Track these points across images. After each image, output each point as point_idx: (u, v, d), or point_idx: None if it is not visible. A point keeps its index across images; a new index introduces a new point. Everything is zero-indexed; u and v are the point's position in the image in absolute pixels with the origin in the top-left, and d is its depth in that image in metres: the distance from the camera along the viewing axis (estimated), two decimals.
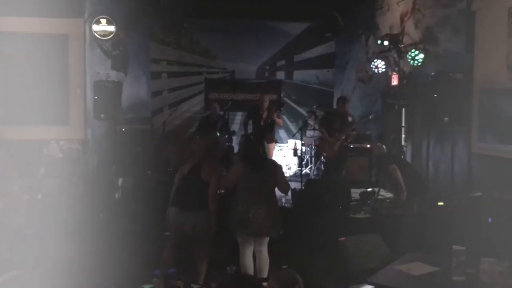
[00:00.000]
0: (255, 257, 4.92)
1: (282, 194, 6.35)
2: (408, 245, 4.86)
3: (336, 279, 4.54)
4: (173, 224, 4.83)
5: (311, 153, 9.85)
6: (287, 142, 10.26)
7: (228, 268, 4.61)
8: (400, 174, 5.46)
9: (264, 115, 8.48)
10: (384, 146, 6.30)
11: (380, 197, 7.23)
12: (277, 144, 10.06)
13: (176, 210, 4.82)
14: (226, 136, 8.98)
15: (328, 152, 7.88)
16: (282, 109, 9.57)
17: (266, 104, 8.53)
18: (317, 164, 9.77)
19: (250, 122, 8.70)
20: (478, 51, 6.31)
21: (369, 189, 7.44)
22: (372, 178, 8.94)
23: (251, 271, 4.83)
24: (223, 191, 6.63)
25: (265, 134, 8.20)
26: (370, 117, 8.12)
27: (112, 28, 7.91)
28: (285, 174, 9.51)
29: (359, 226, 6.13)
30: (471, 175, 6.42)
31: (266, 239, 4.89)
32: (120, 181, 7.76)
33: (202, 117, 9.76)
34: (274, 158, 9.09)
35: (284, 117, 10.99)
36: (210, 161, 4.91)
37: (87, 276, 4.83)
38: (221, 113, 9.22)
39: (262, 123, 8.47)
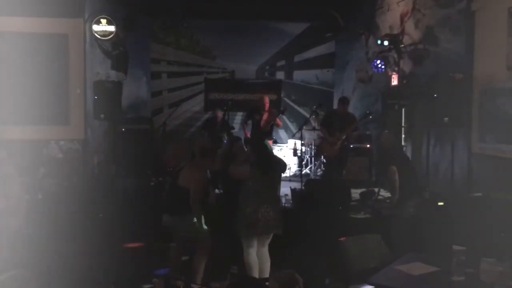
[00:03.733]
0: (257, 257, 4.93)
1: (282, 194, 6.37)
2: (408, 245, 4.85)
3: (336, 279, 4.54)
4: (168, 227, 5.04)
5: (311, 153, 9.85)
6: (287, 142, 10.25)
7: (230, 268, 4.63)
8: (398, 176, 5.38)
9: (265, 117, 8.47)
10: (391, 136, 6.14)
11: (380, 197, 7.23)
12: (277, 144, 10.06)
13: (166, 215, 5.02)
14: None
15: (329, 152, 7.87)
16: (285, 113, 9.57)
17: (266, 106, 8.52)
18: (317, 164, 9.77)
19: (249, 122, 8.71)
20: (478, 51, 6.31)
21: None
22: (372, 178, 8.94)
23: (256, 270, 4.85)
24: (222, 191, 6.65)
25: (265, 136, 8.24)
26: (370, 116, 8.08)
27: (112, 28, 7.91)
28: (285, 174, 9.59)
29: (359, 226, 6.12)
30: (471, 175, 6.41)
31: (269, 239, 4.92)
32: (119, 181, 7.76)
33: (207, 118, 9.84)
34: None
35: (284, 117, 11.00)
36: (190, 167, 4.98)
37: (87, 276, 4.83)
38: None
39: (262, 125, 8.46)
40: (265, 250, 4.93)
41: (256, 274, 4.83)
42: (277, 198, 5.04)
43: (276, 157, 5.30)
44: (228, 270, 5.31)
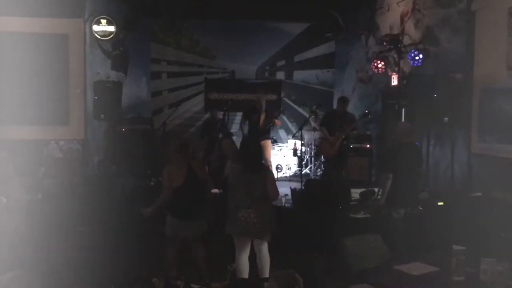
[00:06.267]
0: (255, 255, 4.88)
1: (282, 194, 6.35)
2: (408, 245, 4.85)
3: (336, 279, 4.54)
4: (175, 232, 4.87)
5: (311, 153, 9.85)
6: (287, 142, 10.26)
7: (228, 266, 4.62)
8: (393, 183, 5.24)
9: (262, 117, 8.48)
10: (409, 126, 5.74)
11: (379, 197, 7.22)
12: (277, 144, 10.06)
13: (177, 220, 4.84)
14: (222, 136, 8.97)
15: (328, 151, 7.87)
16: (285, 111, 9.60)
17: (263, 107, 8.53)
18: (317, 164, 9.77)
19: (247, 122, 8.73)
20: (478, 51, 6.31)
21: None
22: (372, 178, 8.94)
23: (245, 274, 4.80)
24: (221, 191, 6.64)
25: (263, 136, 8.27)
26: (370, 116, 8.08)
27: (112, 28, 7.92)
28: (285, 174, 9.59)
29: (359, 226, 6.12)
30: (471, 175, 6.41)
31: (263, 242, 4.82)
32: (119, 181, 7.75)
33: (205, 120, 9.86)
34: (273, 157, 9.12)
35: (284, 117, 11.01)
36: (198, 161, 5.00)
37: (87, 276, 4.83)
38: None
39: (261, 125, 8.47)
40: (263, 248, 4.83)
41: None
42: (263, 203, 4.76)
43: (262, 160, 5.11)
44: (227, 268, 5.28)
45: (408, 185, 5.28)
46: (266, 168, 5.10)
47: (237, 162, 4.85)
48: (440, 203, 5.82)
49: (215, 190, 6.99)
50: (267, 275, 4.77)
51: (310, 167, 9.82)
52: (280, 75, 11.50)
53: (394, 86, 8.26)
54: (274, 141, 9.71)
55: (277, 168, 9.51)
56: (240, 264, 4.80)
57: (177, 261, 4.96)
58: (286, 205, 6.85)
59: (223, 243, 5.32)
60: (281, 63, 11.47)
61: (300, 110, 11.28)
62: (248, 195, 4.68)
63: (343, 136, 7.66)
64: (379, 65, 8.30)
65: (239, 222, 4.67)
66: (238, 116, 10.55)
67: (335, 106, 8.78)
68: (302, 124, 8.66)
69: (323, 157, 9.05)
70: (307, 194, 6.99)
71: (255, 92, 10.36)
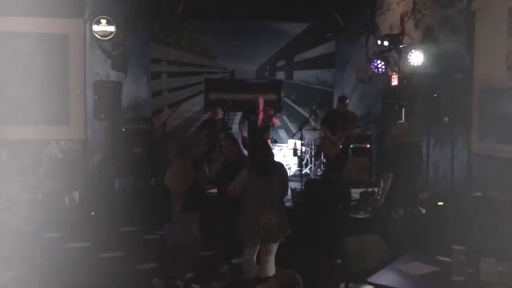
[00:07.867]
0: (260, 265, 4.77)
1: None
2: (408, 245, 4.85)
3: (336, 279, 4.54)
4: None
5: (311, 153, 9.85)
6: (287, 142, 10.26)
7: (219, 268, 4.60)
8: (393, 182, 5.21)
9: (261, 117, 8.50)
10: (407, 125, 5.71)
11: (379, 197, 7.21)
12: (277, 144, 10.07)
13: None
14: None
15: (330, 151, 7.86)
16: (282, 110, 9.61)
17: (261, 106, 8.56)
18: (317, 164, 9.77)
19: (246, 122, 8.75)
20: (478, 51, 6.31)
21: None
22: (372, 178, 8.94)
23: (251, 275, 4.71)
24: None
25: (263, 135, 8.28)
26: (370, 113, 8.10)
27: (112, 28, 7.91)
28: None
29: (359, 226, 6.12)
30: (471, 175, 6.41)
31: (275, 247, 4.70)
32: (119, 181, 7.76)
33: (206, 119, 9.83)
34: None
35: (284, 117, 11.02)
36: (175, 166, 4.83)
37: (87, 276, 4.83)
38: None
39: (259, 125, 8.50)
40: (271, 259, 4.70)
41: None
42: (281, 202, 4.78)
43: (274, 160, 4.95)
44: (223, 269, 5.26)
45: (408, 185, 5.27)
46: (280, 164, 4.97)
47: (252, 168, 4.68)
48: (440, 203, 5.82)
49: (214, 190, 7.00)
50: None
51: (310, 167, 9.82)
52: (280, 75, 11.50)
53: (394, 86, 8.26)
54: (274, 141, 9.71)
55: None
56: (248, 264, 4.70)
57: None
58: (286, 204, 6.84)
59: (222, 244, 5.33)
60: (281, 63, 11.47)
61: (300, 110, 11.28)
62: (269, 198, 4.59)
63: (346, 135, 7.65)
64: (379, 65, 8.31)
65: (262, 230, 4.53)
66: (238, 116, 10.55)
67: (335, 106, 8.79)
68: (302, 124, 8.66)
69: (323, 157, 9.05)
70: (307, 194, 6.99)
71: (255, 92, 10.37)
